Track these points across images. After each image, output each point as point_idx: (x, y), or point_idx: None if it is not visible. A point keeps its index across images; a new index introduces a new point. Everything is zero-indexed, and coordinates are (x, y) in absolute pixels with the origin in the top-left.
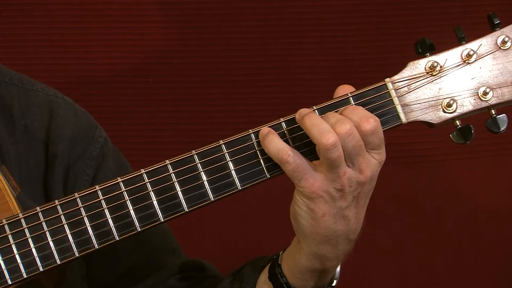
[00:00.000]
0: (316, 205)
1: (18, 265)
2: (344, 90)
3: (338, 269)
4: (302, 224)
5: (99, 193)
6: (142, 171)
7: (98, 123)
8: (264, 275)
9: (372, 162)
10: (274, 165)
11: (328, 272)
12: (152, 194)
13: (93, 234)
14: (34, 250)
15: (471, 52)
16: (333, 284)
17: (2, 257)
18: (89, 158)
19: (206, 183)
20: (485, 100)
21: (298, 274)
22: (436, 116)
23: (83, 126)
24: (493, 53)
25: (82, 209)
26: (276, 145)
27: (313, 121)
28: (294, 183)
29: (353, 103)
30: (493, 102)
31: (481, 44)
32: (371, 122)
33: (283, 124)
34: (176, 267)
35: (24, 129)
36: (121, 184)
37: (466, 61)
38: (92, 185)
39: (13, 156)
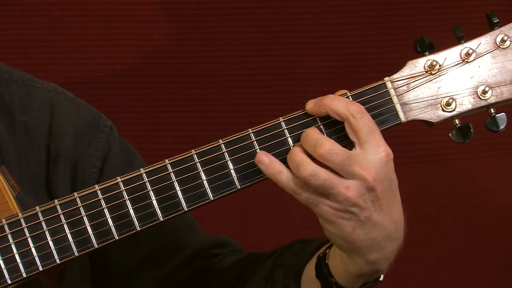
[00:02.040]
0: (342, 225)
1: (18, 264)
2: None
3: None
4: (340, 244)
5: (99, 192)
6: (142, 170)
7: (102, 113)
8: (310, 269)
9: (371, 161)
10: None
11: (379, 272)
12: (151, 193)
13: (93, 234)
14: (33, 250)
15: (470, 51)
16: (380, 279)
17: (2, 256)
18: (96, 149)
19: (205, 182)
20: (484, 99)
21: (349, 278)
22: (435, 115)
23: (87, 119)
24: (492, 52)
25: (81, 209)
26: (287, 177)
27: (290, 157)
28: (312, 209)
29: None
30: (492, 101)
31: (480, 43)
32: (357, 104)
33: (282, 124)
34: (197, 244)
35: (24, 126)
36: (121, 183)
37: (465, 60)
38: (100, 176)
39: (13, 153)
